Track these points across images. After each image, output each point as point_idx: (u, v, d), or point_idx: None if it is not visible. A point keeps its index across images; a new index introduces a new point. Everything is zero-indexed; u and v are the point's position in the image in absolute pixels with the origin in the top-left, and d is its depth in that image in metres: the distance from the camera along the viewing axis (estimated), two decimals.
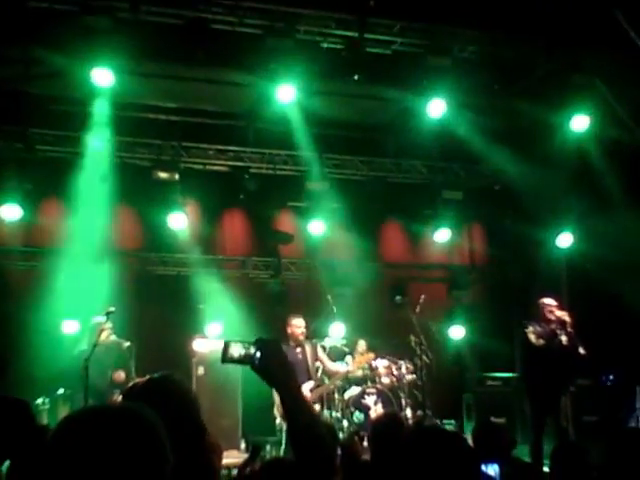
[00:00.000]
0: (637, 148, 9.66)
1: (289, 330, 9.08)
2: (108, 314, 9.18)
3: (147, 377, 2.42)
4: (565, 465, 4.57)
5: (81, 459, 1.42)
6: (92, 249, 10.72)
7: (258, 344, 2.13)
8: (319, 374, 9.32)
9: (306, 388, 8.78)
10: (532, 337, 8.43)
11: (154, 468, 1.48)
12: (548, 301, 8.64)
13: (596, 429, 9.43)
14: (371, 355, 9.64)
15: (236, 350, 2.14)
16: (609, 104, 9.53)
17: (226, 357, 2.14)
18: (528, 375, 8.68)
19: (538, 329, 8.45)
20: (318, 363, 9.26)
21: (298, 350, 9.01)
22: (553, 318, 8.45)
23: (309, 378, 8.95)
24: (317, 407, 9.03)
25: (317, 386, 9.08)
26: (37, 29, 8.16)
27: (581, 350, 8.42)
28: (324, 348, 9.68)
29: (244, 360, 2.13)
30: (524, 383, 8.76)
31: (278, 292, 11.78)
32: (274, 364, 2.11)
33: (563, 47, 9.10)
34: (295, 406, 2.10)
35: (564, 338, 8.34)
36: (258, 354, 2.11)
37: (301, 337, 9.05)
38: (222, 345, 2.16)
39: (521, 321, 8.80)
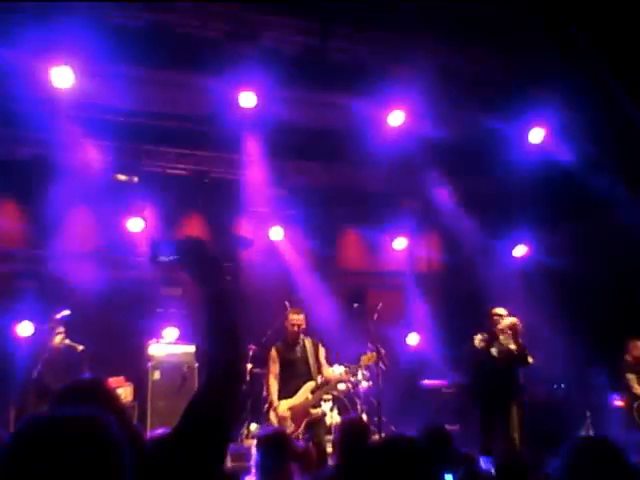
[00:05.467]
0: (591, 162, 9.85)
1: (287, 325, 8.54)
2: (62, 318, 9.11)
3: (77, 380, 2.43)
4: None
5: (37, 469, 1.41)
6: (49, 250, 10.60)
7: (180, 243, 2.14)
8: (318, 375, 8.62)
9: (307, 389, 8.31)
10: (484, 348, 8.54)
11: (116, 475, 1.48)
12: (499, 311, 8.77)
13: (547, 438, 9.57)
14: (373, 355, 9.25)
15: (163, 250, 2.14)
16: (566, 117, 9.71)
17: (155, 257, 2.14)
18: (477, 384, 8.78)
19: (489, 340, 8.58)
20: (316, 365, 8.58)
21: (297, 348, 8.42)
22: (503, 327, 8.58)
23: (310, 378, 8.39)
24: (318, 411, 8.44)
25: (318, 387, 8.46)
26: None
27: (530, 359, 8.56)
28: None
29: (172, 259, 2.13)
30: (473, 392, 8.85)
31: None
32: (197, 262, 2.10)
33: (521, 60, 9.26)
34: (218, 307, 2.09)
35: (513, 347, 8.48)
36: (182, 252, 2.11)
37: (298, 332, 8.41)
38: (151, 245, 2.15)
39: (473, 331, 8.92)
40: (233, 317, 2.13)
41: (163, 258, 2.15)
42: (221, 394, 2.00)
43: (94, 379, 2.49)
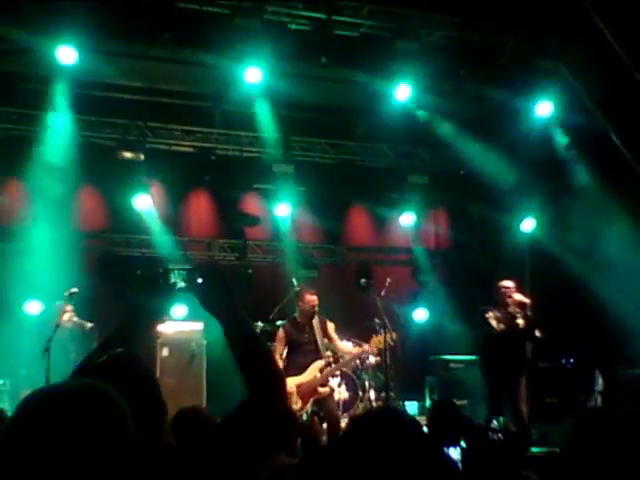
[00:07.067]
0: (600, 134, 9.77)
1: (302, 305, 8.45)
2: (71, 295, 9.13)
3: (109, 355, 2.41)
4: None
5: (43, 440, 1.42)
6: (55, 229, 10.60)
7: (199, 270, 2.10)
8: (327, 351, 8.53)
9: (315, 367, 8.26)
10: (493, 322, 8.53)
11: (116, 446, 1.48)
12: (507, 284, 8.73)
13: (556, 411, 9.59)
14: (382, 337, 9.21)
15: (175, 277, 2.10)
16: (573, 90, 9.63)
17: (166, 285, 2.10)
18: (486, 358, 8.78)
19: (497, 314, 8.55)
20: (326, 340, 8.49)
21: (306, 328, 8.36)
22: (511, 301, 8.55)
23: (318, 357, 8.31)
24: (326, 389, 8.35)
25: (327, 365, 8.40)
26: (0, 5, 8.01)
27: (537, 333, 8.54)
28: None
29: (183, 287, 2.09)
30: (482, 366, 8.85)
31: (244, 275, 11.71)
32: (213, 290, 2.08)
33: (529, 33, 9.18)
34: (238, 333, 2.07)
35: (521, 321, 8.46)
36: (199, 280, 2.07)
37: (314, 312, 8.34)
38: (161, 272, 2.11)
39: (481, 306, 8.88)
40: (253, 339, 2.12)
41: (174, 285, 2.11)
42: (259, 416, 2.02)
43: (126, 354, 2.48)
